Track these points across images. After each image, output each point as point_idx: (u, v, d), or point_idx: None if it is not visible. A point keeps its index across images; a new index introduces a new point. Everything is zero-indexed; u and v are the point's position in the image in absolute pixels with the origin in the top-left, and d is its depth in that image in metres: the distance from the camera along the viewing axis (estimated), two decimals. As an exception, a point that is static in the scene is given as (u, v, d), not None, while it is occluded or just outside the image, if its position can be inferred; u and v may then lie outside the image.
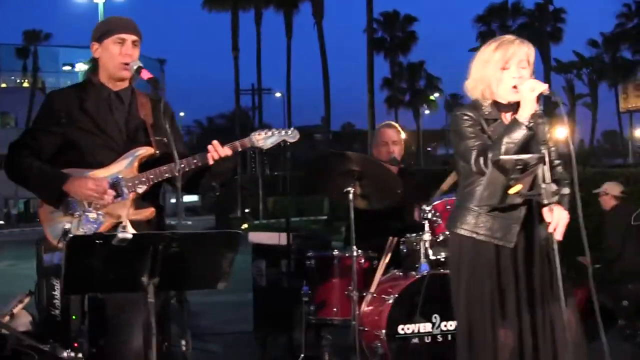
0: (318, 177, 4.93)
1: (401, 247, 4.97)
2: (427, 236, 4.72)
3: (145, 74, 3.31)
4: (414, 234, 4.81)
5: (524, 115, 3.23)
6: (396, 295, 4.53)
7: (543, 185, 3.14)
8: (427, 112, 51.29)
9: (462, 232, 3.40)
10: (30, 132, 3.46)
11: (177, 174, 3.15)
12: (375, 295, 4.74)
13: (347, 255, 4.84)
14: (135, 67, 3.36)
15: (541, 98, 3.23)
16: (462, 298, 3.39)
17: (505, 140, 3.24)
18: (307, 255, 5.03)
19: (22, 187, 3.46)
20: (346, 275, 4.81)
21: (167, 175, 3.36)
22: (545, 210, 3.19)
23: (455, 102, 58.21)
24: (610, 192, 7.27)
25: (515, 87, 3.32)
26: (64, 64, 51.73)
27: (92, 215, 3.30)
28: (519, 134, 3.23)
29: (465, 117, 3.43)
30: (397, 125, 5.69)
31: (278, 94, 50.37)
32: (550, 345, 3.26)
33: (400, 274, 4.84)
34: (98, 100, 3.42)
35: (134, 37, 3.40)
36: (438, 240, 4.75)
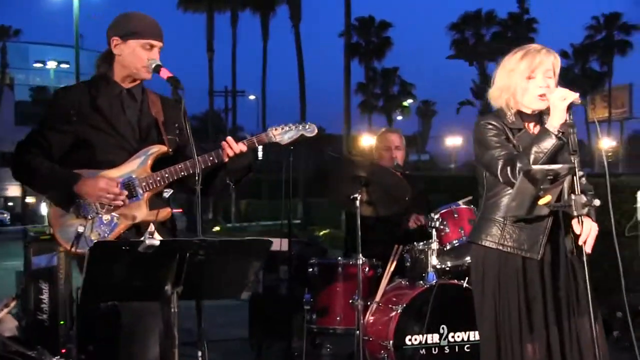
0: (324, 183, 4.84)
1: (404, 255, 4.89)
2: (435, 245, 4.64)
3: (165, 73, 3.18)
4: (422, 242, 4.73)
5: (554, 124, 3.15)
6: (404, 305, 4.44)
7: (573, 197, 3.07)
8: (399, 117, 51.38)
9: (487, 243, 3.31)
10: (39, 131, 3.29)
11: (197, 171, 3.00)
12: (381, 304, 4.65)
13: (351, 263, 4.76)
14: (153, 66, 3.22)
15: (571, 107, 3.16)
16: (487, 311, 3.30)
17: (535, 149, 3.17)
18: (310, 262, 4.92)
19: (31, 188, 3.33)
20: (350, 283, 4.72)
21: (183, 173, 3.23)
22: (574, 222, 3.12)
23: (427, 108, 58.52)
24: None
25: (541, 95, 3.25)
26: (36, 61, 50.96)
27: (106, 217, 3.16)
28: (549, 144, 3.16)
29: (490, 127, 3.35)
30: (399, 130, 5.64)
31: (251, 97, 50.21)
32: (577, 359, 3.20)
33: (406, 283, 4.76)
34: (110, 98, 3.28)
35: (161, 44, 3.29)
36: (445, 249, 4.68)
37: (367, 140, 34.15)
